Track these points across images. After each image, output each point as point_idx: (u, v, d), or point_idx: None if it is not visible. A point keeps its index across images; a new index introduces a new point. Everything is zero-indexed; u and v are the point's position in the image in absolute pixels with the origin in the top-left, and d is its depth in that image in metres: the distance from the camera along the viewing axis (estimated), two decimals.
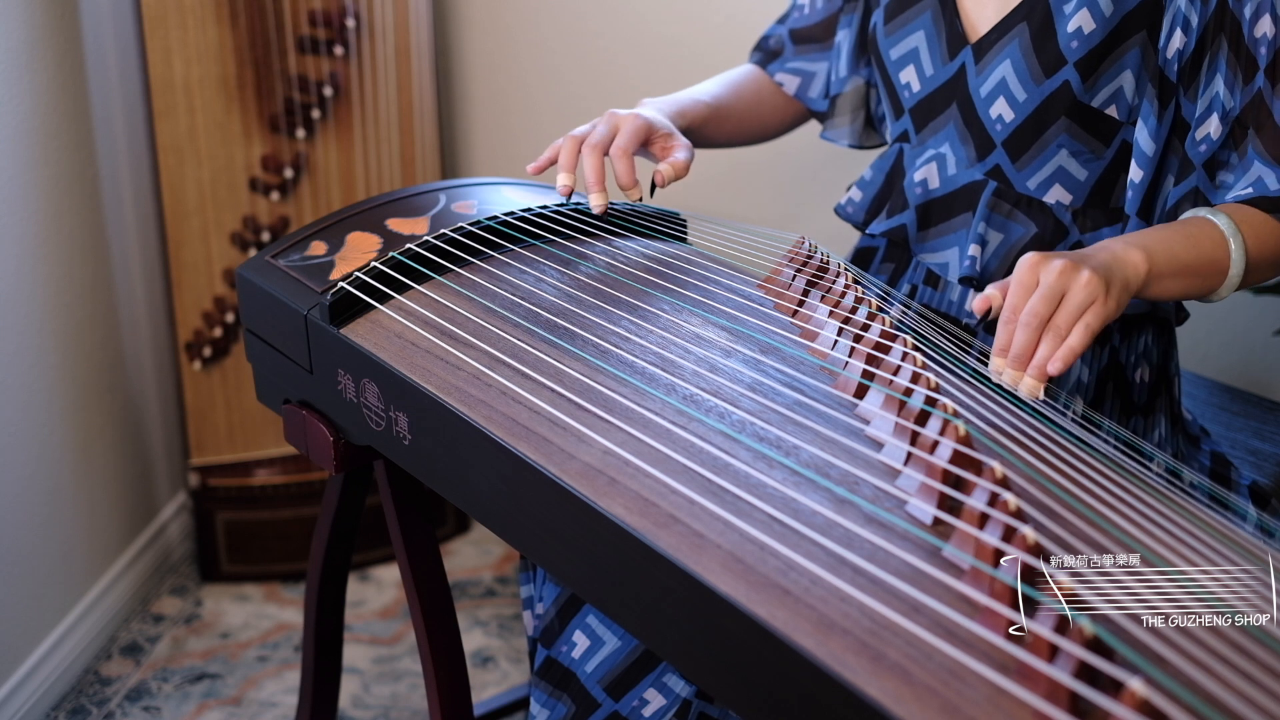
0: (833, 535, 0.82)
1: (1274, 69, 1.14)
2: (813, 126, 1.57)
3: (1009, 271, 1.26)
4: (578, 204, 1.33)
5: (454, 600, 1.34)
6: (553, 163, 1.27)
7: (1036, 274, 1.04)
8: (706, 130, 1.41)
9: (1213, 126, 1.17)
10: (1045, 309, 1.02)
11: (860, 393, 1.01)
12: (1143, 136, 1.19)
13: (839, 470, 0.90)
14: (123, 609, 2.01)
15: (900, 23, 1.30)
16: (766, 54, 1.50)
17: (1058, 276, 1.02)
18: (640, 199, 1.27)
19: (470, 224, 1.26)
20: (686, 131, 1.37)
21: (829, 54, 1.46)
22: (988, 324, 1.29)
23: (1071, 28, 1.17)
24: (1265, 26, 1.13)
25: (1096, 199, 1.25)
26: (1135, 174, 1.20)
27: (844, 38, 1.41)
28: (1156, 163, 1.20)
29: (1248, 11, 1.13)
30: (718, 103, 1.43)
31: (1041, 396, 1.04)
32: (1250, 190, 1.15)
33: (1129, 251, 1.08)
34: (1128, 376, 1.30)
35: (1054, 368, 1.03)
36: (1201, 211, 1.15)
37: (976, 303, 1.07)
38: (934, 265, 1.32)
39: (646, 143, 1.28)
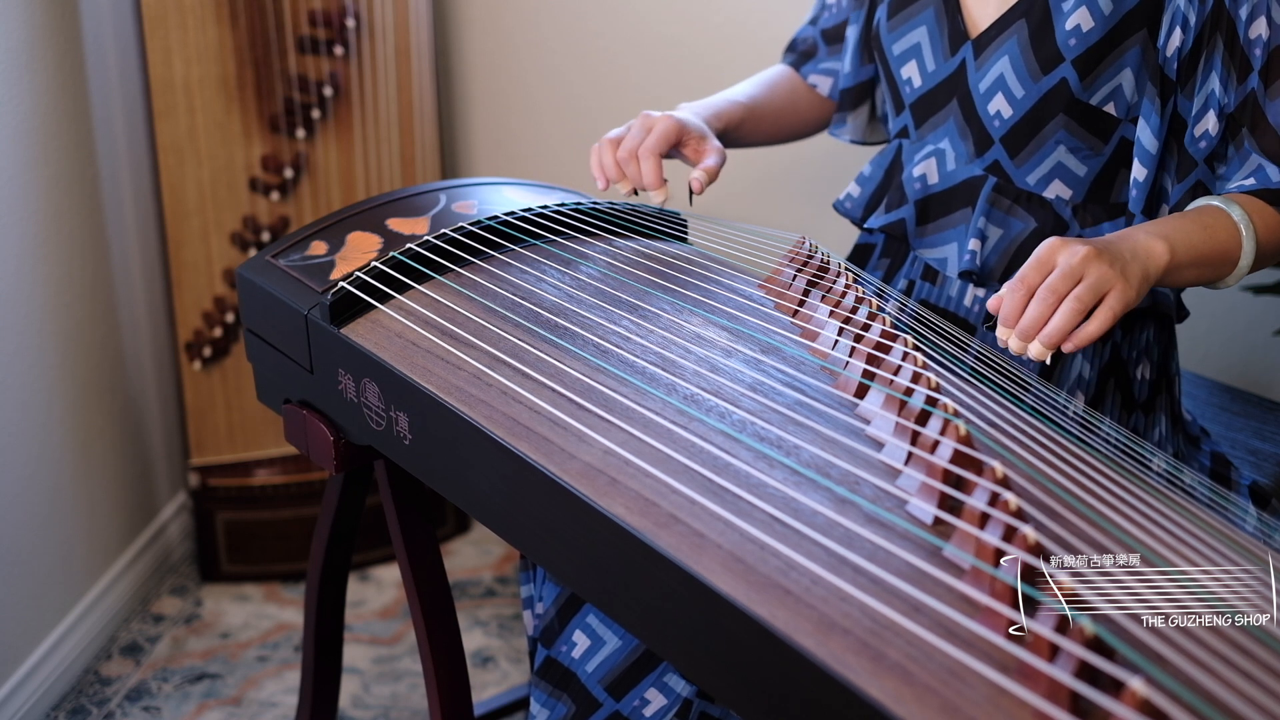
0: (833, 535, 0.82)
1: (1268, 70, 1.14)
2: None
3: (1009, 267, 1.26)
4: (578, 204, 1.34)
5: (454, 600, 1.34)
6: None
7: (1056, 256, 1.04)
8: (743, 131, 1.42)
9: (1210, 123, 1.17)
10: (1064, 286, 1.02)
11: (861, 392, 1.01)
12: (1145, 135, 1.19)
13: (840, 470, 0.90)
14: (123, 609, 2.01)
15: (903, 18, 1.30)
16: (799, 55, 1.50)
17: (1080, 260, 1.02)
18: (665, 201, 1.27)
19: (471, 224, 1.26)
20: (723, 133, 1.37)
21: None
22: (991, 325, 1.29)
23: (1070, 25, 1.17)
24: (1260, 28, 1.13)
25: (1096, 194, 1.25)
26: (1139, 172, 1.20)
27: (851, 33, 1.41)
28: (1159, 160, 1.20)
29: (1243, 12, 1.14)
30: (753, 103, 1.44)
31: (1049, 361, 1.03)
32: (1252, 181, 1.16)
33: (1152, 242, 1.08)
34: (1129, 373, 1.30)
35: (1067, 347, 1.02)
36: (1214, 200, 1.15)
37: (992, 302, 1.07)
38: (933, 260, 1.32)
39: (680, 144, 1.29)
